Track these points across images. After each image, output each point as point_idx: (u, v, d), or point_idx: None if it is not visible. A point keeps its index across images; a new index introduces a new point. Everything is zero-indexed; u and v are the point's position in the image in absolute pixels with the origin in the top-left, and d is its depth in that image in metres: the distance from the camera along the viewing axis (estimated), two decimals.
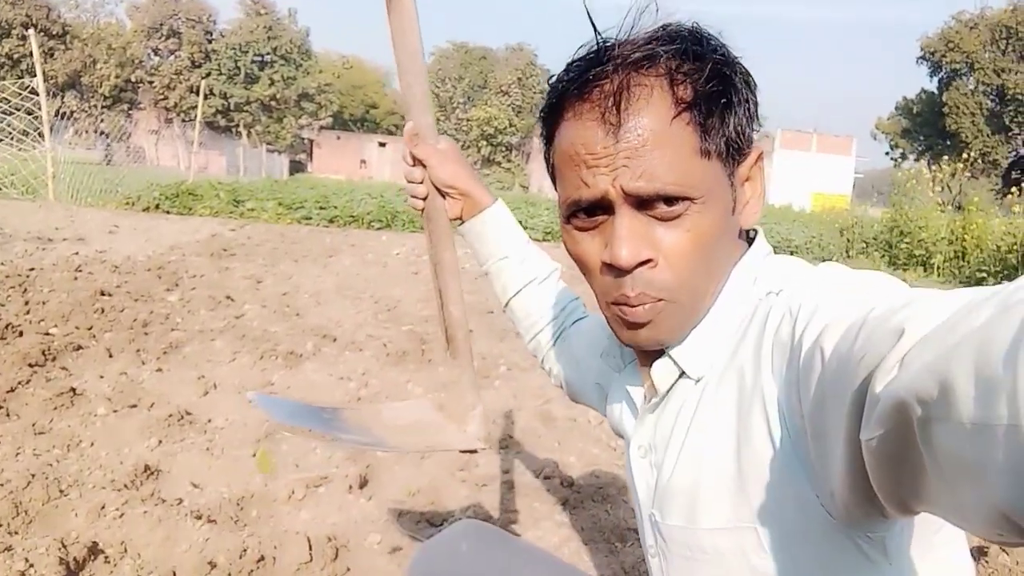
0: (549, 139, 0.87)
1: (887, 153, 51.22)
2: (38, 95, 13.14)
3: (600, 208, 0.79)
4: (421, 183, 1.17)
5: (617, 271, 0.79)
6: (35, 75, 13.30)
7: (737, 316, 0.82)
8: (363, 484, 2.71)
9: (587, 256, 0.83)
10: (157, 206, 13.23)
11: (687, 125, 0.76)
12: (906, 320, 0.51)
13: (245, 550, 2.13)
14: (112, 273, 6.47)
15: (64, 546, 2.02)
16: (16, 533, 2.16)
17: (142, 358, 4.07)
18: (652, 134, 0.75)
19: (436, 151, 1.15)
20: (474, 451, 1.19)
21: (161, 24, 47.88)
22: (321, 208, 13.94)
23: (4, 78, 14.20)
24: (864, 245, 14.45)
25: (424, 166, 1.16)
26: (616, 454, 3.21)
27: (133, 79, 47.68)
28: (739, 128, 0.79)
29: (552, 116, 0.84)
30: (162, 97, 48.21)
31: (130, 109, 46.40)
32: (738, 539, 0.78)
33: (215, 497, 2.52)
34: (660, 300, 0.79)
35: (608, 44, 0.78)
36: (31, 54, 13.12)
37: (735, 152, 0.80)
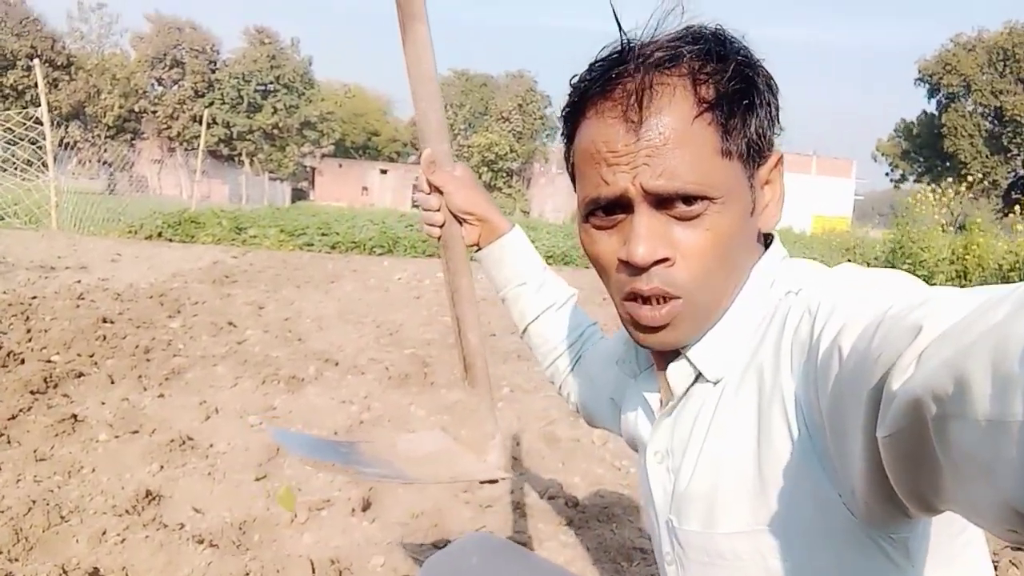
0: (570, 138, 0.86)
1: (887, 174, 51.44)
2: (42, 125, 13.22)
3: (619, 206, 0.79)
4: (438, 210, 1.16)
5: (633, 268, 0.78)
6: (39, 105, 13.41)
7: (755, 318, 0.82)
8: (366, 507, 2.69)
9: (604, 255, 0.83)
10: (160, 234, 13.29)
11: (709, 125, 0.76)
12: (924, 317, 0.51)
13: (247, 574, 2.11)
14: (114, 301, 6.47)
15: (65, 572, 2.00)
16: (16, 560, 2.14)
17: (144, 384, 4.06)
18: (673, 133, 0.75)
19: (453, 178, 1.15)
20: (495, 481, 1.17)
21: (165, 54, 48.35)
22: (323, 235, 14.00)
23: (8, 109, 14.29)
24: (866, 266, 14.48)
25: (441, 193, 1.15)
26: (621, 474, 3.19)
27: (136, 109, 48.06)
28: (760, 130, 0.79)
29: (574, 115, 0.84)
30: (165, 127, 48.56)
31: (133, 139, 46.75)
32: (757, 542, 0.77)
33: (217, 521, 2.50)
34: (676, 299, 0.79)
35: (632, 44, 0.79)
36: (36, 85, 13.23)
37: (756, 154, 0.80)
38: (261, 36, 51.69)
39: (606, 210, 0.81)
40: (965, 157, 42.26)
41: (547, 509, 2.79)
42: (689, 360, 0.84)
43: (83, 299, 6.40)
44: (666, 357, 0.88)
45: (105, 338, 5.00)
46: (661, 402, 0.93)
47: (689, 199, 0.76)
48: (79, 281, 7.40)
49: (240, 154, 50.36)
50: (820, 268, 0.83)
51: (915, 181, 45.93)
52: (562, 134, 0.89)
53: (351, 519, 2.61)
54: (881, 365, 0.53)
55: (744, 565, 0.79)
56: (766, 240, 0.89)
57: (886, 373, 0.52)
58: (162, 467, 2.93)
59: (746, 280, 0.84)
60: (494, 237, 1.21)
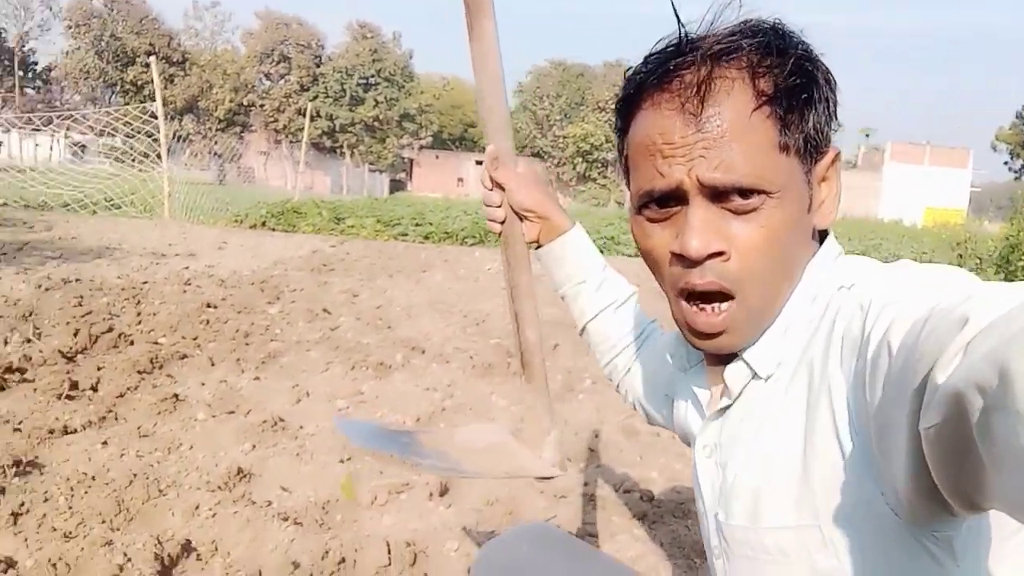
0: (624, 130, 0.86)
1: (1006, 164, 48.50)
2: (157, 119, 13.98)
3: (673, 199, 0.79)
4: (499, 206, 1.17)
5: (687, 262, 0.78)
6: (153, 100, 14.18)
7: (808, 316, 0.81)
8: (443, 492, 2.76)
9: (656, 248, 0.83)
10: (263, 223, 13.85)
11: (767, 119, 0.76)
12: (970, 310, 0.51)
13: (327, 552, 2.20)
14: (218, 287, 6.80)
15: (160, 543, 2.13)
16: (118, 529, 2.29)
17: (241, 367, 4.26)
18: (731, 125, 0.75)
19: (515, 175, 1.15)
20: (550, 478, 1.19)
21: (272, 50, 50.23)
22: (417, 225, 14.30)
23: (128, 103, 15.21)
24: (978, 261, 13.70)
25: (503, 189, 1.16)
26: None
27: (245, 103, 50.16)
28: (818, 125, 0.79)
29: (628, 107, 0.84)
30: (272, 120, 50.48)
31: (242, 132, 48.79)
32: (802, 538, 0.77)
33: (302, 501, 2.61)
34: (731, 300, 0.79)
35: (689, 36, 0.79)
36: (153, 81, 14.00)
37: (813, 149, 0.79)
38: (364, 31, 52.99)
39: (660, 202, 0.81)
40: None
41: (621, 502, 2.79)
42: (746, 362, 0.84)
43: (190, 285, 6.75)
44: (722, 356, 0.87)
45: (208, 322, 5.26)
46: (712, 397, 0.93)
47: (745, 192, 0.75)
48: (187, 267, 7.80)
49: (342, 146, 51.83)
50: (875, 264, 0.81)
51: None
52: (615, 127, 0.89)
53: (428, 503, 2.68)
54: (928, 357, 0.53)
55: (789, 560, 0.79)
56: (822, 237, 0.87)
57: (932, 365, 0.52)
58: (254, 447, 3.08)
59: (800, 277, 0.82)
60: (555, 235, 1.21)
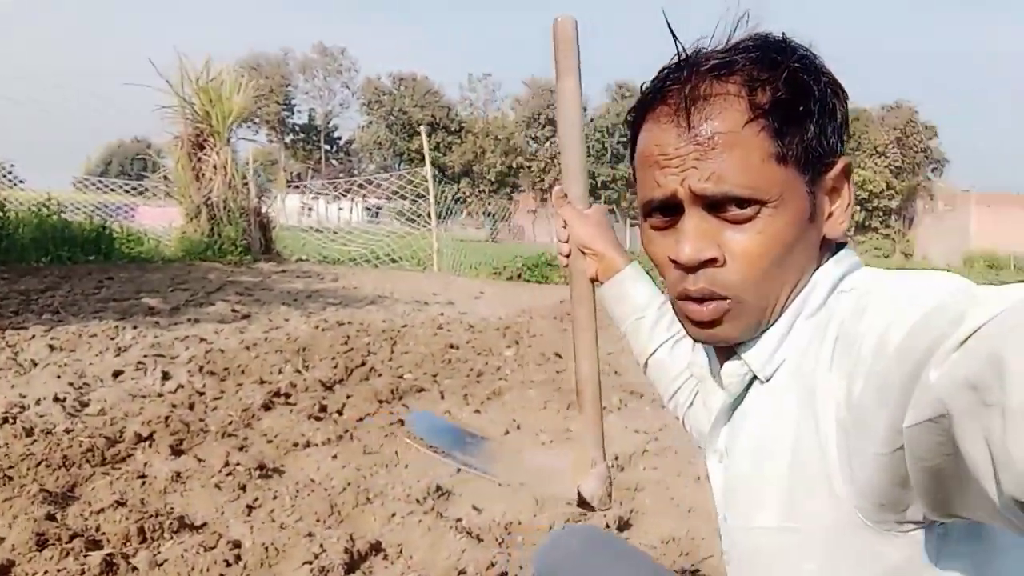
0: (633, 144, 0.93)
1: None
2: (428, 182, 15.48)
3: (672, 208, 0.84)
4: (566, 242, 1.26)
5: (683, 267, 0.83)
6: (434, 166, 15.74)
7: (811, 322, 0.83)
8: (623, 527, 2.81)
9: (658, 254, 0.88)
10: (520, 276, 14.63)
11: (761, 131, 0.78)
12: (966, 309, 0.53)
13: (493, 564, 2.36)
14: (466, 331, 7.34)
15: (352, 540, 2.43)
16: (330, 527, 2.63)
17: (467, 401, 4.61)
18: (722, 137, 0.78)
19: (577, 213, 1.24)
20: (587, 509, 1.20)
21: (539, 114, 53.28)
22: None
23: (414, 170, 17.10)
24: None
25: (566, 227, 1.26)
26: None
27: (514, 165, 53.54)
28: (821, 136, 0.80)
29: (636, 121, 0.91)
30: (539, 180, 53.31)
31: (512, 192, 51.99)
32: (784, 540, 0.79)
33: (488, 521, 2.80)
34: (724, 299, 0.82)
35: (689, 54, 0.84)
36: (435, 148, 15.61)
37: (816, 160, 0.81)
38: (622, 91, 54.41)
39: (662, 211, 0.86)
40: None
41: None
42: (744, 360, 0.87)
43: (441, 328, 7.37)
44: (723, 357, 0.91)
45: (449, 361, 5.74)
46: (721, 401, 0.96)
47: (740, 202, 0.79)
48: (442, 314, 8.51)
49: (603, 201, 53.27)
50: (881, 272, 0.81)
51: None
52: (628, 141, 0.96)
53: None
54: (921, 355, 0.55)
55: (777, 563, 0.80)
56: (838, 248, 0.88)
57: (924, 362, 0.54)
58: (459, 469, 3.34)
59: (806, 284, 0.84)
60: (612, 273, 1.26)
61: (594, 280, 1.29)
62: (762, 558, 0.82)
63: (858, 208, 48.79)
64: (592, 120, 53.24)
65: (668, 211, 0.85)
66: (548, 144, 53.60)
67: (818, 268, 0.85)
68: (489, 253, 17.34)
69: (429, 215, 15.68)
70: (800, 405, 0.77)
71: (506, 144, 52.47)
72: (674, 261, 0.84)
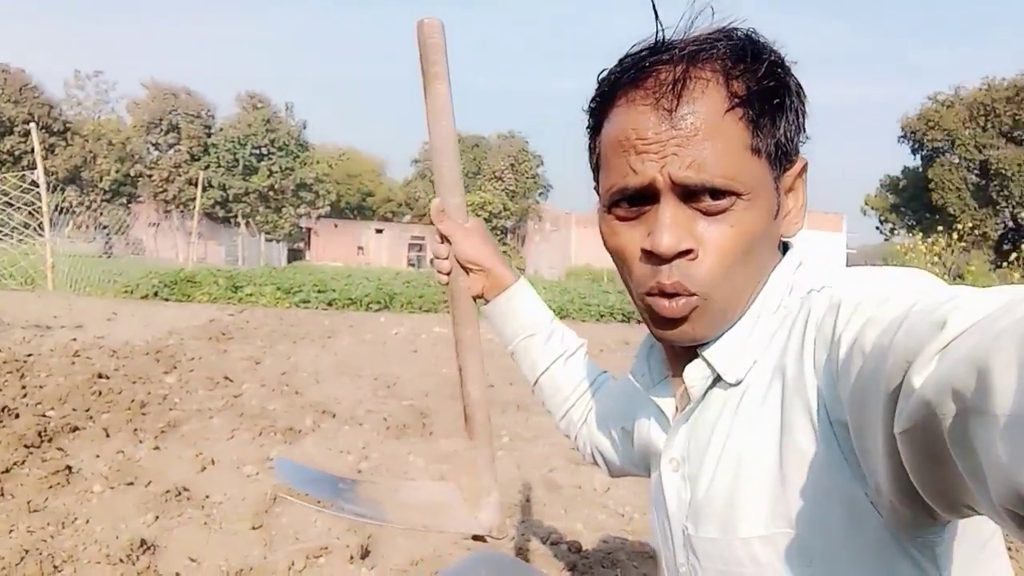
0: (595, 129, 0.86)
1: (878, 228, 51.87)
2: (38, 188, 13.34)
3: (644, 197, 0.78)
4: (446, 258, 1.17)
5: (656, 259, 0.77)
6: (36, 169, 13.56)
7: (772, 322, 0.81)
8: (365, 555, 2.64)
9: (625, 247, 0.82)
10: (156, 294, 13.28)
11: (740, 120, 0.75)
12: (949, 313, 0.50)
13: None
14: (110, 357, 6.43)
15: None
16: None
17: (139, 437, 4.01)
18: (705, 124, 0.74)
19: (460, 227, 1.15)
20: (484, 539, 1.14)
21: (160, 119, 48.99)
22: (319, 292, 14.01)
23: (5, 174, 14.45)
24: None
25: (450, 243, 1.16)
26: (624, 520, 3.14)
27: (132, 173, 48.50)
28: (789, 133, 0.79)
29: (602, 105, 0.84)
30: (161, 190, 48.93)
31: (129, 202, 47.05)
32: (776, 546, 0.75)
33: (213, 571, 2.45)
34: (694, 295, 0.78)
35: (666, 38, 0.79)
36: (32, 150, 13.41)
37: (783, 157, 0.79)
38: (254, 101, 52.47)
39: (631, 201, 0.80)
40: (954, 210, 42.67)
41: (550, 554, 2.74)
42: (706, 360, 0.83)
43: (78, 356, 6.36)
44: (682, 361, 0.87)
45: (100, 393, 4.96)
46: (677, 407, 0.92)
47: (716, 193, 0.75)
48: (74, 339, 7.37)
49: (236, 216, 50.72)
50: (844, 271, 0.81)
51: (907, 233, 46.28)
52: (587, 127, 0.88)
53: (349, 567, 2.56)
54: (903, 360, 0.52)
55: (763, 572, 0.77)
56: (785, 248, 0.88)
57: (907, 368, 0.52)
58: (157, 517, 2.88)
59: (765, 284, 0.83)
60: (499, 289, 1.20)
61: (477, 297, 1.20)
62: (745, 566, 0.79)
63: None
64: (222, 130, 50.40)
65: (638, 200, 0.79)
66: (172, 152, 49.49)
67: (776, 266, 0.84)
68: (110, 269, 15.42)
69: (40, 226, 13.49)
70: (785, 409, 0.76)
71: (122, 150, 47.24)
72: (647, 252, 0.78)
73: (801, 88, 0.81)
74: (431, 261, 1.26)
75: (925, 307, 0.55)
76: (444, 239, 1.16)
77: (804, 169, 0.84)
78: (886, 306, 0.63)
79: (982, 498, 0.46)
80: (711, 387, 0.85)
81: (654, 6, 0.81)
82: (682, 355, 0.88)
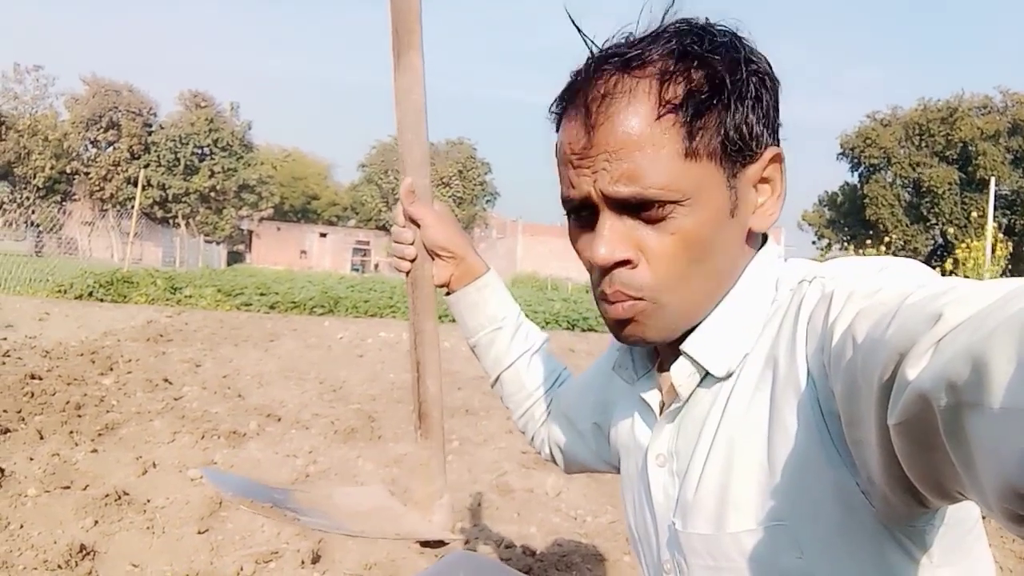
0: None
1: (814, 243, 53.19)
2: None
3: (590, 208, 0.79)
4: (411, 244, 1.11)
5: (600, 269, 0.78)
6: None
7: (757, 314, 0.80)
8: (316, 559, 2.58)
9: (582, 252, 0.83)
10: (90, 294, 12.86)
11: (672, 127, 0.73)
12: (944, 306, 0.50)
13: None
14: (43, 358, 6.20)
15: None
16: None
17: (75, 440, 3.86)
18: (631, 137, 0.73)
19: (432, 211, 1.11)
20: (439, 543, 1.11)
21: (100, 116, 47.42)
22: (261, 295, 13.75)
23: None
24: None
25: (417, 226, 1.11)
26: (577, 523, 3.13)
27: (68, 170, 46.85)
28: (740, 128, 0.76)
29: (557, 115, 0.84)
30: (98, 188, 47.33)
31: (64, 200, 45.42)
32: (766, 539, 0.74)
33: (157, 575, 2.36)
34: (640, 300, 0.78)
35: (599, 50, 0.78)
36: None
37: (736, 153, 0.77)
38: (197, 100, 51.21)
39: (577, 212, 0.81)
40: (887, 226, 43.96)
41: (505, 559, 2.72)
42: (690, 357, 0.82)
43: (9, 356, 6.11)
44: (668, 357, 0.86)
45: (33, 394, 4.76)
46: (663, 403, 0.90)
47: (650, 203, 0.74)
48: (4, 339, 7.08)
49: (176, 216, 49.36)
50: (832, 260, 0.80)
51: (841, 248, 47.51)
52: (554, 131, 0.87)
53: (300, 572, 2.49)
54: (896, 352, 0.52)
55: (754, 566, 0.76)
56: (765, 239, 0.87)
57: (901, 360, 0.51)
58: (96, 522, 2.77)
59: (739, 277, 0.82)
60: (468, 279, 1.16)
61: (442, 286, 1.16)
62: (734, 561, 0.78)
63: None
64: (164, 128, 49.03)
65: (584, 210, 0.80)
66: (111, 150, 47.94)
67: (752, 260, 0.83)
68: (42, 268, 14.85)
69: None
70: (776, 401, 0.75)
71: (58, 146, 45.54)
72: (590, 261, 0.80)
73: (766, 76, 0.78)
74: (387, 252, 1.21)
75: (919, 299, 0.55)
76: (411, 222, 1.11)
77: (776, 159, 0.81)
78: (879, 297, 0.62)
79: (974, 489, 0.46)
80: (700, 383, 0.84)
81: (573, 21, 0.81)
82: (665, 349, 0.88)
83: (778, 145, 0.82)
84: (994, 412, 0.40)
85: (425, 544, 1.12)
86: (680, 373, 0.83)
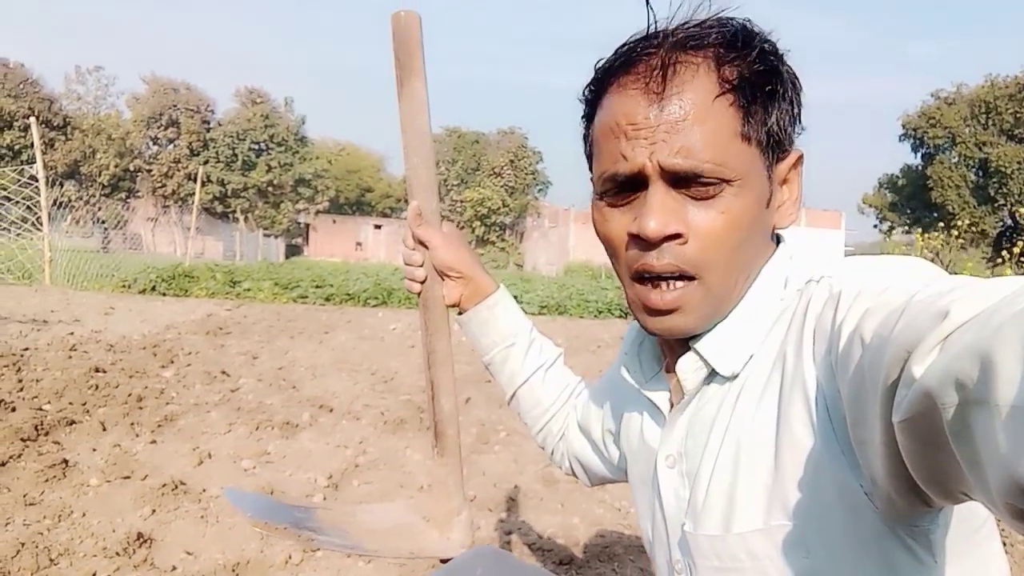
0: (590, 117, 0.86)
1: (875, 226, 51.82)
2: (37, 182, 13.30)
3: (634, 184, 0.78)
4: (420, 266, 1.13)
5: (644, 244, 0.77)
6: (35, 163, 13.49)
7: (767, 314, 0.81)
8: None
9: (615, 232, 0.82)
10: (153, 288, 13.25)
11: (730, 106, 0.75)
12: (951, 304, 0.50)
13: None
14: (107, 352, 6.42)
15: None
16: None
17: (136, 431, 4.01)
18: (694, 109, 0.74)
19: (439, 233, 1.13)
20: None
21: (160, 114, 48.75)
22: (317, 287, 13.98)
23: (4, 168, 14.37)
24: None
25: (426, 248, 1.12)
26: (621, 515, 3.14)
27: (131, 168, 48.30)
28: (781, 121, 0.78)
29: (596, 92, 0.84)
30: (160, 185, 48.76)
31: (128, 197, 46.85)
32: (773, 539, 0.75)
33: (210, 564, 2.45)
34: (690, 280, 0.77)
35: (659, 27, 0.79)
36: (32, 145, 13.33)
37: (775, 146, 0.79)
38: (252, 96, 52.22)
39: (622, 187, 0.80)
40: (953, 208, 42.62)
41: (548, 549, 2.74)
42: (699, 354, 0.82)
43: (75, 350, 6.35)
44: (675, 355, 0.86)
45: (97, 387, 4.95)
46: (671, 403, 0.91)
47: (705, 179, 0.75)
48: (72, 333, 7.35)
49: (235, 211, 50.56)
50: (838, 260, 0.81)
51: (905, 232, 46.26)
52: (582, 114, 0.88)
53: (346, 560, 2.55)
54: (903, 350, 0.52)
55: (761, 566, 0.76)
56: (778, 240, 0.88)
57: (907, 358, 0.51)
58: (154, 511, 2.88)
59: (757, 276, 0.82)
60: (479, 298, 1.17)
61: (453, 306, 1.18)
62: (741, 562, 0.79)
63: (478, 223, 52.76)
64: (221, 125, 50.18)
65: (628, 187, 0.79)
66: (171, 147, 49.28)
67: (769, 259, 0.84)
68: (108, 264, 15.38)
69: (38, 220, 13.45)
70: (783, 401, 0.75)
71: (121, 144, 47.03)
72: (634, 236, 0.79)
73: (796, 79, 0.81)
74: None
75: (926, 297, 0.55)
76: (420, 244, 1.13)
77: (799, 161, 0.84)
78: (886, 296, 0.62)
79: (980, 488, 0.46)
80: (708, 382, 0.84)
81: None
82: (675, 348, 0.88)
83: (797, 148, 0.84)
84: (1000, 409, 0.40)
85: (444, 562, 1.15)
86: (687, 367, 0.84)
